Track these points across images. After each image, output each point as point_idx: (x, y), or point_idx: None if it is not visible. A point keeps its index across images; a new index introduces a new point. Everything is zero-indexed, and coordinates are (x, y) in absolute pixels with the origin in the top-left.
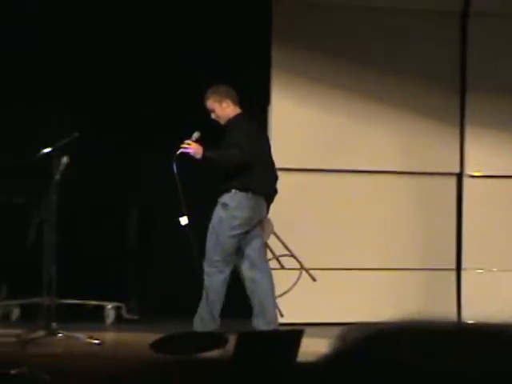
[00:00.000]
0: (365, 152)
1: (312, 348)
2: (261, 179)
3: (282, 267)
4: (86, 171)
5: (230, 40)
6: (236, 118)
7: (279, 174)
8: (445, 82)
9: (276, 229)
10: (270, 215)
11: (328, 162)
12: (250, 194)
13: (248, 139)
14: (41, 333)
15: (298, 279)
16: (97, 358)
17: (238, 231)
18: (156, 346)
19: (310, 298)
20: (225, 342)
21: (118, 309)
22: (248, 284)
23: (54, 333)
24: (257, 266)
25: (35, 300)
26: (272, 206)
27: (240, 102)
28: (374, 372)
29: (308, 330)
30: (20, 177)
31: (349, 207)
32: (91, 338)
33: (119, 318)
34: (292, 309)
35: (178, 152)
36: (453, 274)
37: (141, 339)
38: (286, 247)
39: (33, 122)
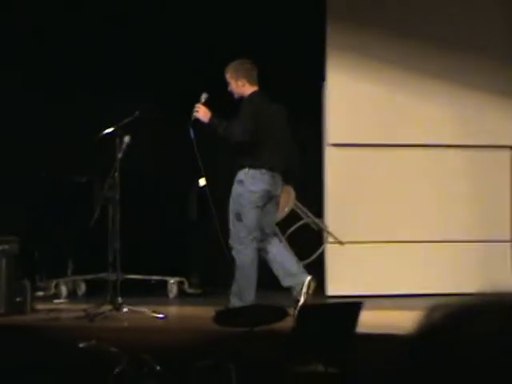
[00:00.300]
0: (420, 126)
1: (373, 320)
2: (274, 156)
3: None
4: (145, 149)
5: (285, 16)
6: (250, 95)
7: (334, 149)
8: (500, 54)
9: (333, 204)
10: (329, 190)
11: (383, 137)
12: (263, 170)
13: (258, 117)
14: (107, 307)
15: (324, 245)
16: (161, 331)
17: (258, 204)
18: (219, 319)
19: (366, 269)
20: (285, 314)
21: (180, 283)
22: (263, 255)
23: (119, 307)
24: (267, 239)
25: (101, 275)
26: (330, 181)
27: (294, 79)
28: (464, 351)
29: (367, 301)
30: (83, 156)
31: (404, 181)
32: (155, 311)
33: (182, 293)
34: (356, 281)
35: (192, 118)
36: (508, 246)
37: (203, 313)
38: (307, 214)
39: (95, 102)
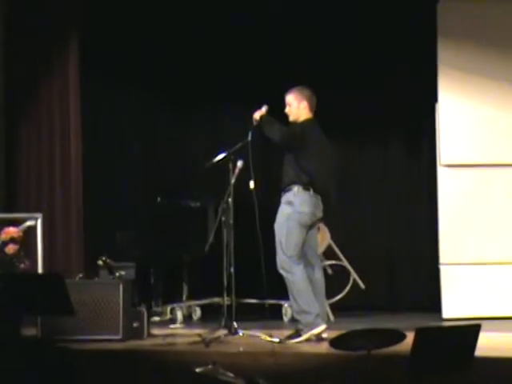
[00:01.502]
0: None
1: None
2: (322, 180)
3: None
4: (257, 171)
5: (397, 37)
6: (306, 120)
7: (447, 170)
8: None
9: (447, 225)
10: (443, 211)
11: (497, 156)
12: (311, 192)
13: (307, 135)
14: (222, 332)
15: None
16: (276, 355)
17: (307, 225)
18: (336, 342)
19: (484, 292)
20: (403, 337)
21: None
22: None
23: (234, 332)
24: (312, 264)
25: (216, 300)
26: (443, 202)
27: (405, 101)
28: None
29: (484, 323)
30: (197, 181)
31: None
32: (270, 335)
33: None
34: (469, 303)
35: (253, 122)
36: None
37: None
38: (339, 257)
39: (208, 128)
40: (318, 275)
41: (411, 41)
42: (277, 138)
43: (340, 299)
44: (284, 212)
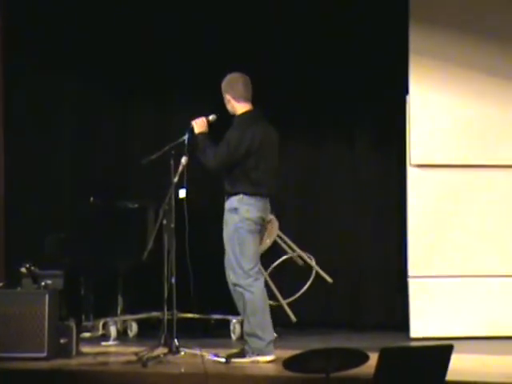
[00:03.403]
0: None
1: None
2: (266, 181)
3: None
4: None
5: (363, 22)
6: (241, 115)
7: (418, 171)
8: None
9: (416, 232)
10: (412, 215)
11: (475, 157)
12: (258, 197)
13: (246, 142)
14: (162, 350)
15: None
16: (223, 377)
17: (256, 232)
18: (290, 363)
19: (457, 309)
20: (366, 358)
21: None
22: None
23: (175, 350)
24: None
25: (154, 314)
26: (415, 208)
27: (372, 93)
28: None
29: (457, 344)
30: (136, 179)
31: (495, 205)
32: (217, 355)
33: None
34: (440, 321)
35: (190, 124)
36: None
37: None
38: (291, 247)
39: (149, 121)
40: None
41: (379, 26)
42: (205, 165)
43: (294, 314)
44: (230, 221)
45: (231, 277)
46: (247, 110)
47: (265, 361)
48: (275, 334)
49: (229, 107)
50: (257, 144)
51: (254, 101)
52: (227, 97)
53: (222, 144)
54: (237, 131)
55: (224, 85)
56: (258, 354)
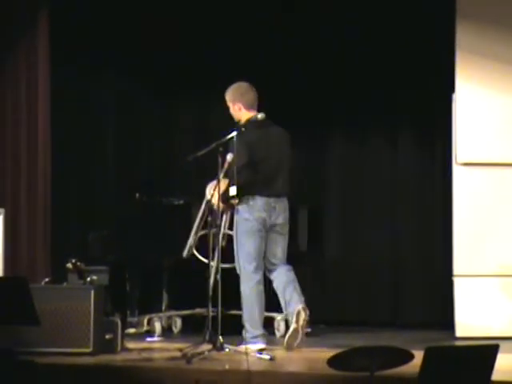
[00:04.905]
0: None
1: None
2: (270, 183)
3: None
4: None
5: (409, 20)
6: (246, 123)
7: (464, 170)
8: None
9: (463, 230)
10: (458, 213)
11: None
12: (256, 197)
13: (250, 148)
14: (206, 347)
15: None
16: (268, 374)
17: (254, 232)
18: (334, 361)
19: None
20: (410, 357)
21: (288, 320)
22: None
23: (220, 347)
24: (276, 269)
25: (199, 311)
26: (461, 206)
27: (418, 92)
28: None
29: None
30: (182, 176)
31: None
32: (261, 352)
33: None
34: (486, 320)
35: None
36: None
37: (315, 354)
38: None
39: (192, 118)
40: (283, 278)
41: (425, 24)
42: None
43: (338, 312)
44: (234, 222)
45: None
46: (250, 117)
47: (253, 349)
48: (263, 331)
49: (235, 114)
50: (259, 148)
51: (299, 102)
52: (238, 105)
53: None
54: (241, 140)
55: (233, 93)
56: (247, 343)
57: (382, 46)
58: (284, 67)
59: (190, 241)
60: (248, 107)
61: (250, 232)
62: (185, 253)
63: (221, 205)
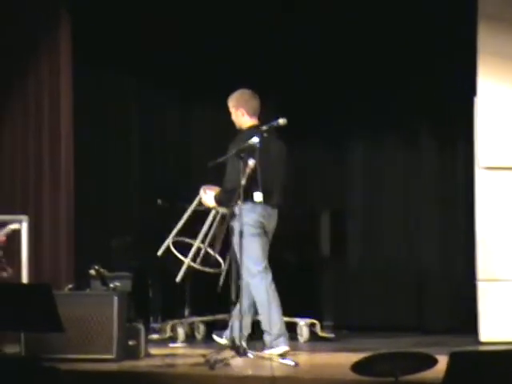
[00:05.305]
0: None
1: None
2: (266, 191)
3: None
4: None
5: (429, 21)
6: (248, 130)
7: (486, 173)
8: None
9: (486, 234)
10: (480, 218)
11: None
12: (252, 203)
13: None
14: (229, 353)
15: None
16: (291, 380)
17: (256, 234)
18: (358, 366)
19: None
20: (434, 362)
21: (312, 326)
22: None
23: (243, 353)
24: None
25: (222, 317)
26: (484, 210)
27: (439, 94)
28: None
29: None
30: (201, 181)
31: None
32: (284, 357)
33: (313, 336)
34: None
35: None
36: None
37: (338, 360)
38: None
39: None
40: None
41: (446, 25)
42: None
43: (361, 317)
44: (235, 229)
45: (243, 272)
46: (254, 124)
47: (277, 354)
48: (285, 332)
49: (237, 120)
50: (258, 156)
51: (320, 104)
52: (241, 110)
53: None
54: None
55: (237, 99)
56: (270, 348)
57: (404, 48)
58: (299, 69)
59: (169, 240)
60: (251, 114)
61: (255, 234)
62: (160, 252)
63: (215, 207)
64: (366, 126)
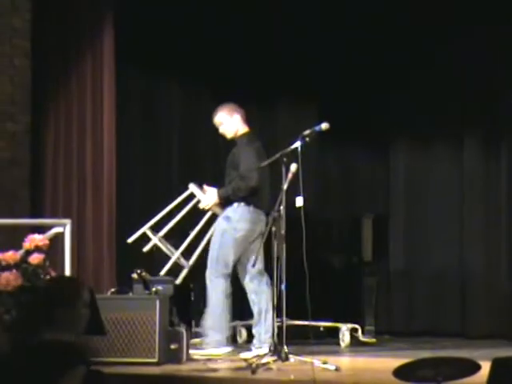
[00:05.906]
0: None
1: None
2: (262, 195)
3: None
4: (310, 180)
5: (472, 19)
6: (246, 135)
7: None
8: None
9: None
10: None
11: None
12: (251, 208)
13: (257, 159)
14: (271, 357)
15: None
16: None
17: (241, 243)
18: (401, 372)
19: None
20: (477, 367)
21: (353, 331)
22: (250, 296)
23: (285, 357)
24: (256, 278)
25: None
26: None
27: (483, 95)
28: None
29: None
30: None
31: None
32: (326, 362)
33: (355, 341)
34: None
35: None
36: None
37: (379, 365)
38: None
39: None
40: (264, 287)
41: (487, 23)
42: (250, 184)
43: (403, 322)
44: (219, 227)
45: (207, 270)
46: (249, 131)
47: (219, 354)
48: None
49: (232, 127)
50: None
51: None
52: (236, 116)
53: (243, 163)
54: (249, 146)
55: (228, 108)
56: (213, 347)
57: (451, 47)
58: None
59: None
60: (244, 120)
61: (239, 242)
62: (146, 248)
63: (214, 208)
64: (407, 130)
